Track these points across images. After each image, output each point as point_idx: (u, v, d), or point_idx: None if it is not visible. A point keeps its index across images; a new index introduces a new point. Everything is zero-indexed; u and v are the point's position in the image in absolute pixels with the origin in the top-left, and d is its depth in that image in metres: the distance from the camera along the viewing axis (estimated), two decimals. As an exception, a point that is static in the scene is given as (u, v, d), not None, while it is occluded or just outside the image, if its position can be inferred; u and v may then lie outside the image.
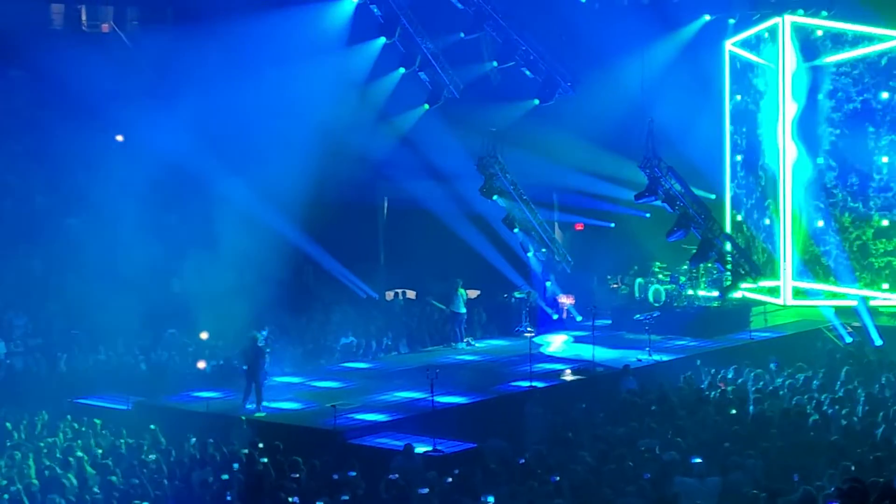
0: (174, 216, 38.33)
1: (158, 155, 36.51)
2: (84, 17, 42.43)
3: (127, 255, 35.76)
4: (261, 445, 23.52)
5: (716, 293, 36.90)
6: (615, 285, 41.58)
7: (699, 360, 31.29)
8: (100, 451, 23.79)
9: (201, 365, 30.63)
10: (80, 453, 23.28)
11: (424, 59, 38.57)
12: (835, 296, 36.99)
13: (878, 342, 33.65)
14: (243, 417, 25.99)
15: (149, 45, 39.77)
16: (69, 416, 26.91)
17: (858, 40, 36.90)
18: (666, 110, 36.98)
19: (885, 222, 36.91)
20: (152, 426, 25.11)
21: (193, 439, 24.38)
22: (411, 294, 42.95)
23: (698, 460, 19.79)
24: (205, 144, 36.22)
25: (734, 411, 24.66)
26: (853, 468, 18.61)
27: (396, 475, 20.62)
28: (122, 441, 24.73)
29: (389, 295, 42.63)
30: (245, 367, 27.31)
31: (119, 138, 39.47)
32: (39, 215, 39.28)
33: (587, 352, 32.08)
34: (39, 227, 38.45)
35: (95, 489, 20.88)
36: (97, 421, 26.23)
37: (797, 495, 16.50)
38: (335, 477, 20.95)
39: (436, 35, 38.81)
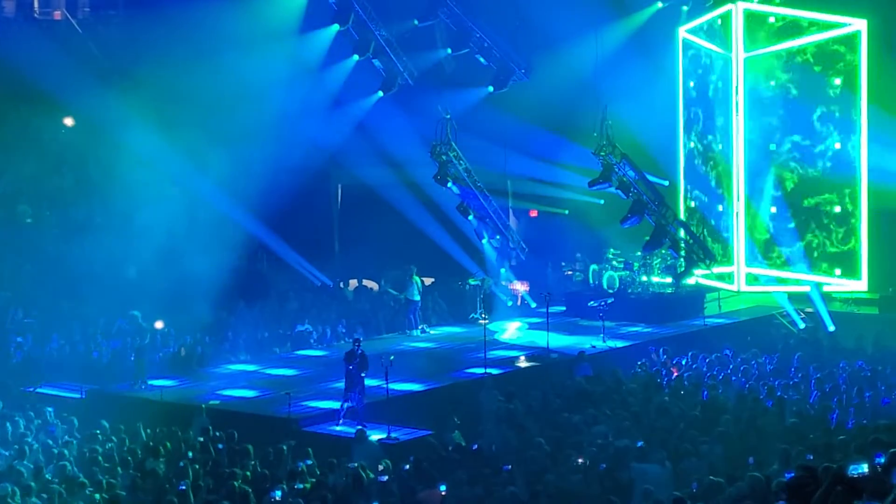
0: (127, 202, 38.02)
1: (110, 140, 36.32)
2: (36, 5, 42.16)
3: (80, 241, 35.54)
4: (218, 434, 23.44)
5: (670, 279, 37.03)
6: (569, 272, 41.63)
7: (652, 347, 31.41)
8: (50, 441, 23.69)
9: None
10: (33, 442, 23.20)
11: (378, 47, 38.57)
12: (788, 282, 37.17)
13: (832, 328, 33.89)
14: (203, 405, 25.88)
15: (100, 32, 39.56)
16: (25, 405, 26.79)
17: (811, 26, 37.05)
18: (620, 97, 36.93)
19: (837, 208, 37.06)
20: (104, 422, 24.93)
21: (147, 428, 24.33)
22: (367, 283, 42.87)
23: (640, 444, 19.90)
24: (157, 130, 36.03)
25: (685, 396, 24.80)
26: (809, 455, 18.61)
27: (354, 463, 20.55)
28: (75, 429, 24.63)
29: (352, 283, 42.60)
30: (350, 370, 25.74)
31: (68, 122, 39.18)
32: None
33: (542, 338, 32.15)
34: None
35: (49, 476, 20.75)
36: (49, 409, 26.06)
37: (746, 482, 16.44)
38: (290, 465, 20.92)
39: (389, 22, 38.80)
